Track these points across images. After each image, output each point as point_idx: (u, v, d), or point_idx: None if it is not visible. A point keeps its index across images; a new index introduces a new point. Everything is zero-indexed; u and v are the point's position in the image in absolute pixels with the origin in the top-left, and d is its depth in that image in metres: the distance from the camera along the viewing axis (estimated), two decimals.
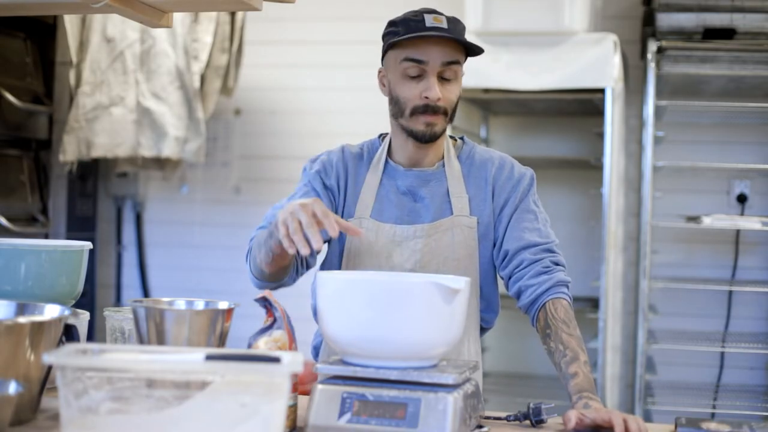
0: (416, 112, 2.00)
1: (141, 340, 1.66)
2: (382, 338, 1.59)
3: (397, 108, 2.03)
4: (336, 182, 2.10)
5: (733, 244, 4.10)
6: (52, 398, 1.65)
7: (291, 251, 1.69)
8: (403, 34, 1.97)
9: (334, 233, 1.69)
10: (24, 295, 1.84)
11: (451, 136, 2.16)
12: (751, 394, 3.91)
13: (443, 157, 2.10)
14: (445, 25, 1.96)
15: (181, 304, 1.76)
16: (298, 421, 1.63)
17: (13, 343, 1.50)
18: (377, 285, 1.65)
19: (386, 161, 2.11)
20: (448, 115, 2.02)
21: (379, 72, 2.09)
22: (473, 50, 2.02)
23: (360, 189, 2.10)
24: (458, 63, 2.00)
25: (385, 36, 2.04)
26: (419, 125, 2.00)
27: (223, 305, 1.72)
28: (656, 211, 3.86)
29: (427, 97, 1.97)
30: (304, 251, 1.67)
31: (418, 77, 1.99)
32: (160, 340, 1.64)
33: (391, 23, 2.02)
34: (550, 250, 2.01)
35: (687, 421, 1.69)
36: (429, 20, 1.96)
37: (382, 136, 2.17)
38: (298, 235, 1.67)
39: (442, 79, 1.99)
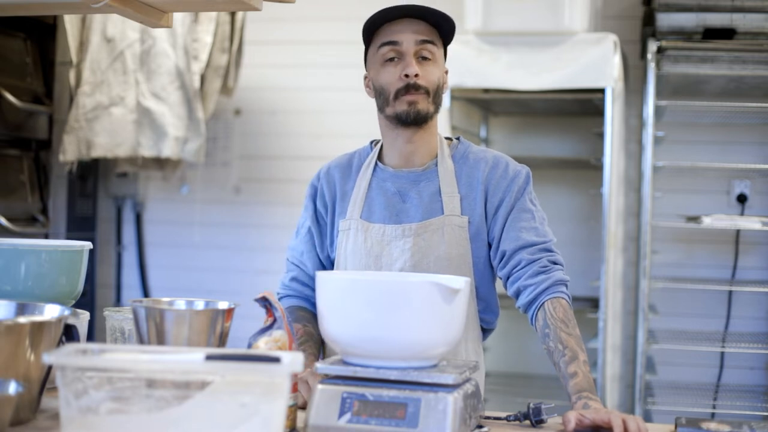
0: (399, 94, 2.03)
1: (141, 340, 1.66)
2: (382, 338, 1.59)
3: (382, 98, 2.07)
4: (323, 203, 2.17)
5: (733, 244, 4.10)
6: (52, 398, 1.65)
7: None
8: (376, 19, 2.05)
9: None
10: (24, 295, 1.84)
11: (447, 137, 2.17)
12: (751, 394, 3.91)
13: (436, 157, 2.10)
14: (419, 3, 2.03)
15: (181, 304, 1.76)
16: (298, 421, 1.64)
17: (13, 343, 1.50)
18: (377, 285, 1.65)
19: (376, 164, 2.13)
20: (431, 96, 2.04)
21: (365, 78, 2.14)
22: (445, 30, 2.06)
23: (350, 195, 2.13)
24: (433, 43, 2.04)
25: (364, 35, 2.10)
26: (402, 105, 2.03)
27: (223, 305, 1.72)
28: (656, 211, 3.86)
29: (406, 75, 2.01)
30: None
31: (397, 60, 2.03)
32: (160, 340, 1.63)
33: (371, 18, 2.07)
34: (548, 249, 2.01)
35: (687, 421, 1.69)
36: (402, 1, 2.04)
37: (373, 142, 2.19)
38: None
39: (421, 58, 2.03)
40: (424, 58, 2.03)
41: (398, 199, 2.08)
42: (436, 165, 2.09)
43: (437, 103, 2.06)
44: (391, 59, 2.03)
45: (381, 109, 2.08)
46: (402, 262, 2.03)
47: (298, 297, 2.20)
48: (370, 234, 2.06)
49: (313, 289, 2.18)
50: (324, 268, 2.19)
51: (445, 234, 2.03)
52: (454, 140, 2.16)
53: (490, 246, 2.06)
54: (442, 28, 2.06)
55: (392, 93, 2.03)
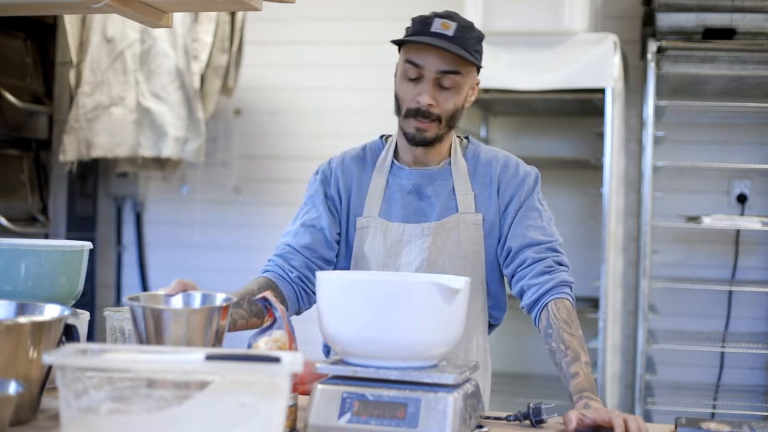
0: (409, 114, 2.02)
1: (139, 337, 1.66)
2: (382, 338, 1.59)
3: (396, 105, 2.06)
4: (336, 190, 2.14)
5: (733, 244, 4.10)
6: (52, 398, 1.65)
7: None
8: (409, 34, 1.99)
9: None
10: (24, 295, 1.84)
11: (457, 136, 2.17)
12: (751, 394, 3.91)
13: (449, 156, 2.11)
14: (450, 32, 1.95)
15: (178, 299, 1.75)
16: (298, 421, 1.63)
17: (13, 343, 1.50)
18: (377, 285, 1.65)
19: (392, 161, 2.13)
20: (443, 122, 2.02)
21: (397, 65, 2.09)
22: (475, 50, 2.01)
23: (366, 190, 2.12)
24: (457, 73, 1.98)
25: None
26: (410, 128, 2.03)
27: (220, 297, 1.70)
28: (656, 211, 3.86)
29: (418, 101, 1.99)
30: None
31: (416, 80, 2.00)
32: (158, 336, 1.63)
33: (412, 20, 2.02)
34: (554, 249, 2.02)
35: (687, 421, 1.69)
36: (436, 25, 1.96)
37: (383, 137, 2.19)
38: None
39: (441, 86, 1.99)
40: (444, 87, 1.99)
41: (415, 197, 2.09)
42: (450, 164, 2.10)
43: (451, 126, 2.05)
44: (412, 78, 2.00)
45: (396, 113, 2.07)
46: (420, 261, 2.04)
47: (272, 272, 2.10)
48: (390, 233, 2.07)
49: (303, 260, 2.09)
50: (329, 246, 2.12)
51: (461, 232, 2.04)
52: (464, 139, 2.17)
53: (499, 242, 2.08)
54: (472, 52, 1.99)
55: (404, 109, 2.02)
